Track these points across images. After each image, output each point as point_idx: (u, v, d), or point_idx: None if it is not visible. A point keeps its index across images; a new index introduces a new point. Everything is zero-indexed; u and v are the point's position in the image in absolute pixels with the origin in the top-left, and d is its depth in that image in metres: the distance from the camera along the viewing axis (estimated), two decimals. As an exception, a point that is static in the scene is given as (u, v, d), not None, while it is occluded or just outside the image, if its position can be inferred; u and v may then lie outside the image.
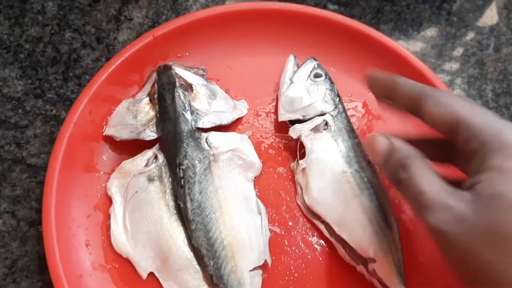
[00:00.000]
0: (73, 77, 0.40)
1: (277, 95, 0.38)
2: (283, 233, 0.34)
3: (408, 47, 0.44)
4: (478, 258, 0.21)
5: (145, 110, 0.35)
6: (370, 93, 0.40)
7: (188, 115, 0.34)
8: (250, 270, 0.32)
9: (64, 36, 0.41)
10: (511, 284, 0.20)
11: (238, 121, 0.38)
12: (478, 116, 0.24)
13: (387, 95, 0.29)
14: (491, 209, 0.21)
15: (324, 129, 0.35)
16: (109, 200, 0.34)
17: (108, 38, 0.42)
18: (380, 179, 0.34)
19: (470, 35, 0.45)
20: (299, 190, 0.35)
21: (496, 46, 0.45)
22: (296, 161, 0.36)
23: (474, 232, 0.21)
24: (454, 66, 0.44)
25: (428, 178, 0.24)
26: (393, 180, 0.26)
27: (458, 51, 0.45)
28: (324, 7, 0.45)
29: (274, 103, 0.39)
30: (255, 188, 0.35)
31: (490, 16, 0.46)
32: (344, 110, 0.37)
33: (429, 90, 0.26)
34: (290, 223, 0.35)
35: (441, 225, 0.22)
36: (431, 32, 0.45)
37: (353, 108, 0.39)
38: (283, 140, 0.37)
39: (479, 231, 0.21)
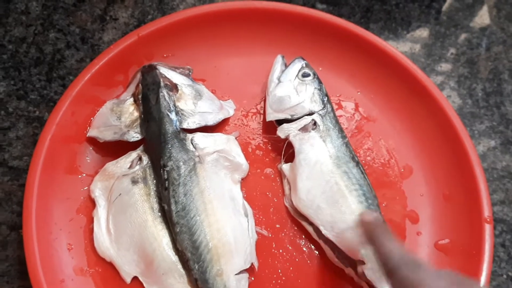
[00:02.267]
0: (57, 78, 0.39)
1: (265, 95, 0.38)
2: (270, 235, 0.34)
3: (398, 47, 0.44)
4: None
5: (129, 111, 0.35)
6: (359, 93, 0.40)
7: (172, 116, 0.34)
8: (236, 274, 0.31)
9: (48, 37, 0.41)
10: None
11: (225, 121, 0.37)
12: None
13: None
14: None
15: (313, 129, 0.35)
16: (92, 203, 0.34)
17: (93, 38, 0.41)
18: (368, 181, 0.34)
19: (460, 35, 0.45)
20: (286, 191, 0.35)
21: (486, 45, 0.45)
22: (283, 162, 0.35)
23: None
24: (444, 65, 0.44)
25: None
26: None
27: (448, 51, 0.44)
28: (313, 6, 0.44)
29: (261, 104, 0.38)
30: (242, 189, 0.35)
31: (480, 15, 0.46)
32: (333, 110, 0.36)
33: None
34: (278, 225, 0.34)
35: None
36: (420, 31, 0.45)
37: (342, 109, 0.39)
38: (271, 141, 0.37)
39: None
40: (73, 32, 0.41)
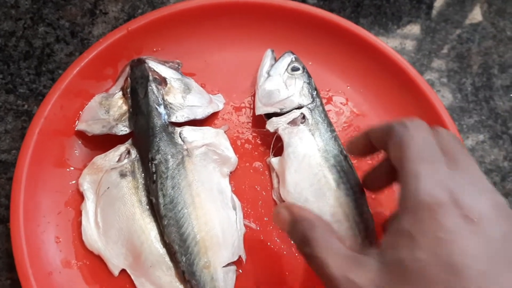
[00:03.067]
0: (46, 71, 0.39)
1: (255, 89, 0.38)
2: (258, 228, 0.34)
3: (388, 42, 0.44)
4: None
5: (118, 104, 0.35)
6: (348, 87, 0.40)
7: (161, 109, 0.34)
8: (224, 266, 0.31)
9: (37, 31, 0.41)
10: None
11: (214, 115, 0.37)
12: (414, 168, 0.22)
13: (363, 151, 0.29)
14: (393, 279, 0.21)
15: (302, 123, 0.35)
16: (80, 196, 0.34)
17: (82, 32, 0.41)
18: (357, 174, 0.34)
19: (450, 29, 0.45)
20: (275, 185, 0.35)
21: (477, 40, 0.45)
22: (272, 156, 0.36)
23: None
24: (435, 60, 0.44)
25: (330, 250, 0.23)
26: (300, 253, 0.25)
27: (439, 46, 0.45)
28: (303, 0, 0.44)
29: (251, 98, 0.39)
30: (230, 183, 0.35)
31: (471, 11, 0.47)
32: (322, 104, 0.37)
33: (396, 126, 0.25)
34: (266, 218, 0.34)
35: None
36: (411, 26, 0.45)
37: (331, 103, 0.39)
38: (260, 135, 0.37)
39: None
40: (63, 26, 0.41)
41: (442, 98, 0.42)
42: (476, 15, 0.47)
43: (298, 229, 0.25)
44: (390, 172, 0.27)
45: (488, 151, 0.41)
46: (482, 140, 0.41)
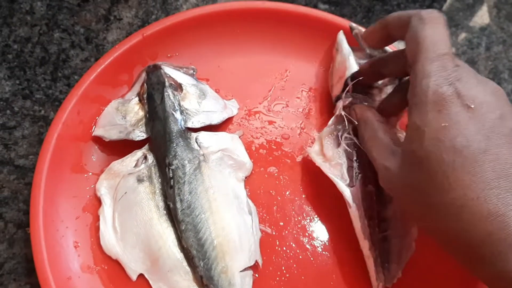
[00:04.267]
0: (62, 77, 0.40)
1: (268, 94, 0.39)
2: (274, 233, 0.35)
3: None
4: (411, 208, 0.26)
5: (134, 110, 0.36)
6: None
7: (177, 115, 0.35)
8: (241, 271, 0.32)
9: (52, 36, 0.42)
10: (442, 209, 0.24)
11: (228, 121, 0.38)
12: (424, 66, 0.25)
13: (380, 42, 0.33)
14: (408, 167, 0.25)
15: None
16: (98, 201, 0.34)
17: (97, 38, 0.42)
18: None
19: (461, 34, 0.46)
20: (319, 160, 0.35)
21: (486, 45, 0.46)
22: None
23: (400, 188, 0.27)
24: None
25: (377, 144, 0.29)
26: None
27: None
28: (315, 6, 0.45)
29: (265, 103, 0.39)
30: (245, 188, 0.36)
31: (481, 15, 0.47)
32: None
33: (413, 18, 0.27)
34: (281, 223, 0.35)
35: (384, 185, 0.28)
36: (422, 31, 0.46)
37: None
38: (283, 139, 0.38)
39: (403, 186, 0.26)
40: (78, 32, 0.42)
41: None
42: (485, 20, 0.47)
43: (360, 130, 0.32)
44: (403, 99, 0.29)
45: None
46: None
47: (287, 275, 0.34)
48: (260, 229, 0.35)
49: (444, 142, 0.23)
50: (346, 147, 0.34)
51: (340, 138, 0.34)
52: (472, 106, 0.23)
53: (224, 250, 0.32)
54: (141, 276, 0.33)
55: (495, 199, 0.22)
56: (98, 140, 0.36)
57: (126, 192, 0.34)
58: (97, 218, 0.34)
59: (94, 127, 0.36)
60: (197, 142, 0.35)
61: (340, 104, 0.35)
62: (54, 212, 0.33)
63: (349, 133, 0.34)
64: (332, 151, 0.34)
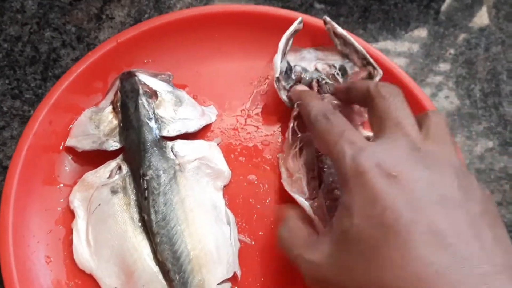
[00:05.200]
0: (52, 77, 0.40)
1: (248, 99, 0.38)
2: (253, 243, 0.34)
3: (396, 47, 0.44)
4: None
5: (108, 119, 0.35)
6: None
7: (152, 124, 0.34)
8: (218, 284, 0.31)
9: (43, 35, 0.42)
10: None
11: (207, 128, 0.37)
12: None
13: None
14: (340, 250, 0.23)
15: None
16: (71, 214, 0.34)
17: (89, 37, 0.42)
18: None
19: (459, 35, 0.45)
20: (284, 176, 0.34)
21: (485, 46, 0.45)
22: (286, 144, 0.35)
23: (333, 277, 0.23)
24: (442, 65, 0.44)
25: (296, 240, 0.27)
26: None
27: (447, 51, 0.45)
28: (311, 6, 0.45)
29: (245, 108, 0.39)
30: (224, 197, 0.35)
31: (479, 16, 0.47)
32: None
33: (376, 99, 0.27)
34: (261, 233, 0.34)
35: (312, 283, 0.25)
36: (419, 31, 0.45)
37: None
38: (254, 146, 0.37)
39: (334, 275, 0.23)
40: (69, 31, 0.42)
41: (451, 104, 0.42)
42: (484, 20, 0.47)
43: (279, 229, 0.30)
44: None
45: (498, 158, 0.41)
46: (491, 147, 0.41)
47: (267, 286, 0.33)
48: (239, 240, 0.34)
49: (373, 218, 0.22)
50: (304, 160, 0.33)
51: (296, 149, 0.33)
52: (395, 174, 0.22)
53: (201, 262, 0.31)
54: (116, 291, 0.32)
55: (434, 276, 0.20)
56: (71, 151, 0.35)
57: (100, 204, 0.33)
58: (70, 232, 0.33)
59: (67, 137, 0.36)
60: (172, 151, 0.34)
61: (293, 113, 0.35)
62: (24, 226, 0.32)
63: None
64: (293, 163, 0.33)
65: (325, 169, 0.33)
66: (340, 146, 0.24)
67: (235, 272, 0.32)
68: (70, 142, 0.35)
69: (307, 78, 0.36)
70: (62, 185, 0.35)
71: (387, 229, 0.21)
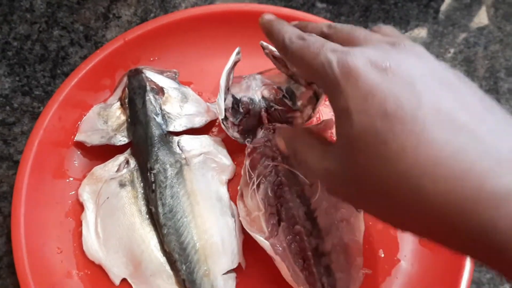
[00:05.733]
0: (61, 74, 0.41)
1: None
2: (257, 235, 0.35)
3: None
4: (371, 205, 0.23)
5: (116, 114, 0.36)
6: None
7: (159, 119, 0.36)
8: (224, 274, 0.33)
9: (52, 34, 0.43)
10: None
11: (211, 123, 0.39)
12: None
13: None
14: (348, 155, 0.22)
15: None
16: (80, 207, 0.35)
17: (96, 35, 0.43)
18: None
19: (458, 34, 0.47)
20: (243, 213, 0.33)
21: (483, 44, 0.47)
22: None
23: (349, 184, 0.23)
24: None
25: (309, 151, 0.26)
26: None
27: (446, 49, 0.46)
28: (313, 5, 0.46)
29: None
30: (228, 190, 0.36)
31: (478, 15, 0.48)
32: None
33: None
34: (265, 225, 0.35)
35: (332, 191, 0.25)
36: (418, 30, 0.47)
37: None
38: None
39: (351, 181, 0.22)
40: (77, 29, 0.43)
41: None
42: (483, 19, 0.48)
43: (289, 147, 0.29)
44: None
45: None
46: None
47: (271, 277, 0.34)
48: (243, 231, 0.35)
49: (374, 112, 0.20)
50: (262, 195, 0.32)
51: (253, 186, 0.32)
52: (388, 65, 0.21)
53: (207, 253, 0.33)
54: (124, 280, 0.33)
55: (450, 159, 0.19)
56: (80, 146, 0.36)
57: (108, 197, 0.35)
58: (79, 224, 0.35)
59: (76, 132, 0.37)
60: (179, 146, 0.36)
61: (247, 150, 0.34)
62: (36, 218, 0.34)
63: (268, 173, 0.33)
64: (252, 201, 0.32)
65: (284, 203, 0.32)
66: (323, 55, 0.23)
67: (239, 263, 0.34)
68: (79, 137, 0.36)
69: (256, 108, 0.36)
70: (71, 178, 0.36)
71: (392, 119, 0.20)
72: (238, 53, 0.36)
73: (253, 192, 0.32)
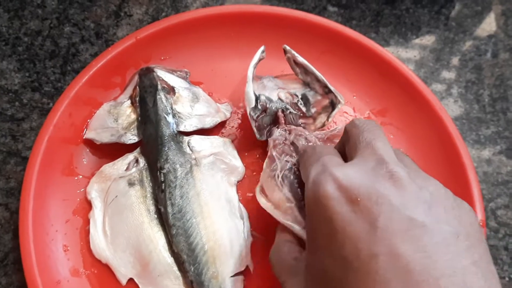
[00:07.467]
0: (71, 71, 0.42)
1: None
2: (265, 238, 0.36)
3: (406, 51, 0.46)
4: None
5: (127, 113, 0.37)
6: (354, 97, 0.42)
7: (170, 118, 0.36)
8: (232, 276, 0.33)
9: (63, 30, 0.44)
10: None
11: (221, 124, 0.39)
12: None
13: None
14: (310, 282, 0.24)
15: None
16: (88, 205, 0.36)
17: (107, 33, 0.44)
18: None
19: (468, 41, 0.47)
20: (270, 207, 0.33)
21: (493, 52, 0.47)
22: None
23: None
24: (452, 70, 0.46)
25: (283, 266, 0.28)
26: None
27: (456, 56, 0.47)
28: (324, 8, 0.46)
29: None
30: (237, 192, 0.36)
31: (488, 23, 0.49)
32: None
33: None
34: (273, 228, 0.36)
35: None
36: (429, 36, 0.47)
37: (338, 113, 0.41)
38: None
39: None
40: (88, 27, 0.44)
41: (459, 109, 0.44)
42: (493, 27, 0.49)
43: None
44: None
45: (505, 162, 0.42)
46: (499, 151, 0.43)
47: (278, 281, 0.34)
48: (252, 234, 0.35)
49: (334, 252, 0.20)
50: (288, 188, 0.32)
51: (279, 179, 0.32)
52: (357, 198, 0.21)
53: (215, 254, 0.33)
54: (131, 280, 0.34)
55: None
56: (90, 143, 0.37)
57: (117, 196, 0.35)
58: (87, 222, 0.35)
59: (85, 130, 0.37)
60: (189, 146, 0.36)
61: (270, 143, 0.35)
62: (43, 215, 0.34)
63: (289, 169, 0.32)
64: (278, 195, 0.32)
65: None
66: (310, 168, 0.24)
67: (247, 266, 0.34)
68: (89, 134, 0.37)
69: (273, 108, 0.36)
70: (80, 176, 0.36)
71: (348, 265, 0.20)
72: (263, 52, 0.37)
73: (280, 184, 0.32)
